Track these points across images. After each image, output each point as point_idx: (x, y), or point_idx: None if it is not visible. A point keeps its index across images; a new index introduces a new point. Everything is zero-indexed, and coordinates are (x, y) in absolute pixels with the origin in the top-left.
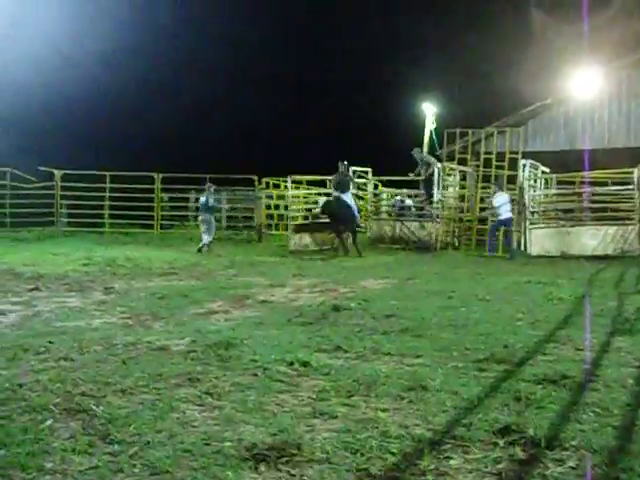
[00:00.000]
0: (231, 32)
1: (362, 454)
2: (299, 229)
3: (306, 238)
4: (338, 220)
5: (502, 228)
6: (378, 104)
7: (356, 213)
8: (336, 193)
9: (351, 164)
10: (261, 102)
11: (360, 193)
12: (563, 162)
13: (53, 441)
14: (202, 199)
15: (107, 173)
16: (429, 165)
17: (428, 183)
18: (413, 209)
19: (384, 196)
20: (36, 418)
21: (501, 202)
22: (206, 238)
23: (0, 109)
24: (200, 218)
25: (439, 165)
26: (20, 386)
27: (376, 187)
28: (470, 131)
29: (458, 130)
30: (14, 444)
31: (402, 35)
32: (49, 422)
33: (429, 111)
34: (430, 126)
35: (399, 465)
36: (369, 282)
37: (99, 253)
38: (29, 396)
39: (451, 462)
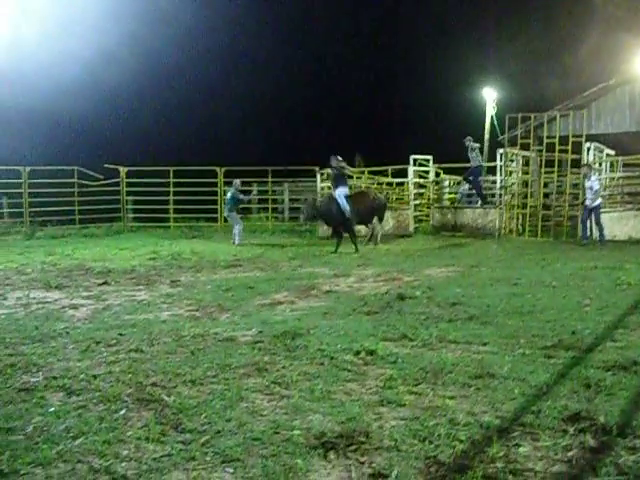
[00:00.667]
0: (300, 30)
1: (430, 441)
2: None
3: None
4: (333, 222)
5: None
6: (438, 91)
7: (347, 211)
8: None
9: (413, 152)
10: (321, 93)
11: (422, 181)
12: (629, 144)
13: (127, 430)
14: (228, 194)
15: (171, 168)
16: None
17: (473, 173)
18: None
19: (446, 183)
20: (110, 408)
21: (597, 186)
22: (236, 228)
23: (66, 109)
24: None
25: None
26: (94, 377)
27: (437, 175)
28: (532, 115)
29: (520, 115)
30: (91, 432)
31: (461, 19)
32: (123, 412)
33: (489, 96)
34: (491, 111)
35: (468, 452)
36: (433, 270)
37: (165, 247)
38: (103, 387)
39: (520, 449)
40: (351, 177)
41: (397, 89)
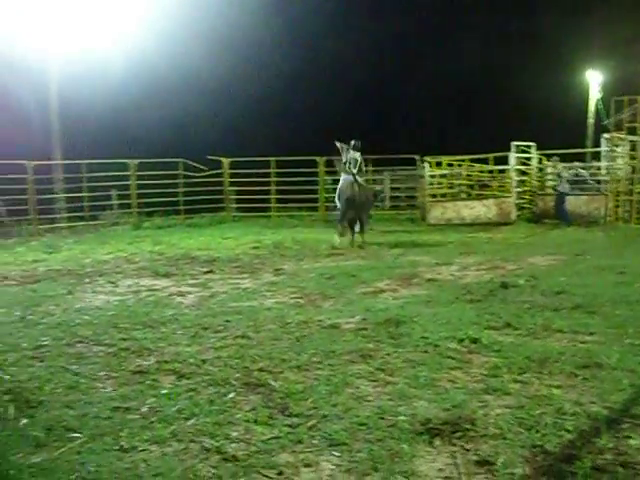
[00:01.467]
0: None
1: (537, 430)
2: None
3: (448, 212)
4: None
5: None
6: (539, 75)
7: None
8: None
9: (514, 139)
10: (422, 82)
11: (523, 168)
12: None
13: (236, 412)
14: None
15: (272, 158)
16: None
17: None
18: (589, 181)
19: (549, 170)
20: (219, 391)
21: None
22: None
23: (171, 104)
24: None
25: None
26: (203, 361)
27: (540, 161)
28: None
29: (626, 97)
30: (202, 414)
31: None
32: (231, 395)
33: (594, 79)
34: (596, 95)
35: (575, 443)
36: (537, 259)
37: (267, 236)
38: (212, 371)
39: (630, 441)
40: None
41: (497, 75)
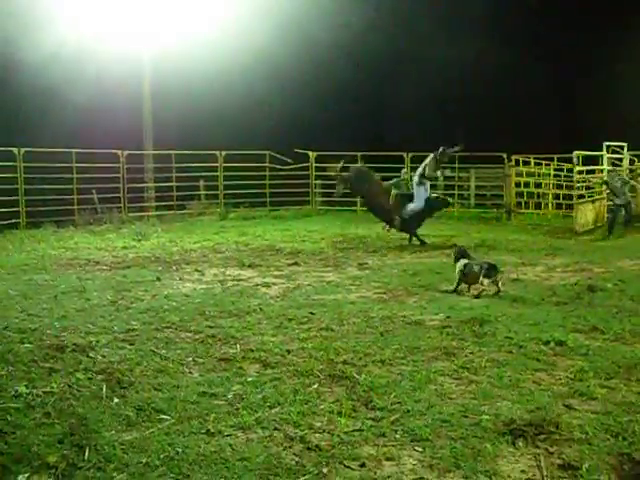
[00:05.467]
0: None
1: (624, 438)
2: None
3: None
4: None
5: None
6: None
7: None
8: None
9: (605, 139)
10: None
11: (617, 170)
12: None
13: (320, 403)
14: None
15: (358, 153)
16: None
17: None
18: None
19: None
20: (304, 381)
21: None
22: None
23: (260, 97)
24: None
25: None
26: (288, 352)
27: (632, 162)
28: None
29: None
30: (286, 403)
31: None
32: (316, 386)
33: None
34: None
35: None
36: (625, 262)
37: (352, 230)
38: (296, 361)
39: None
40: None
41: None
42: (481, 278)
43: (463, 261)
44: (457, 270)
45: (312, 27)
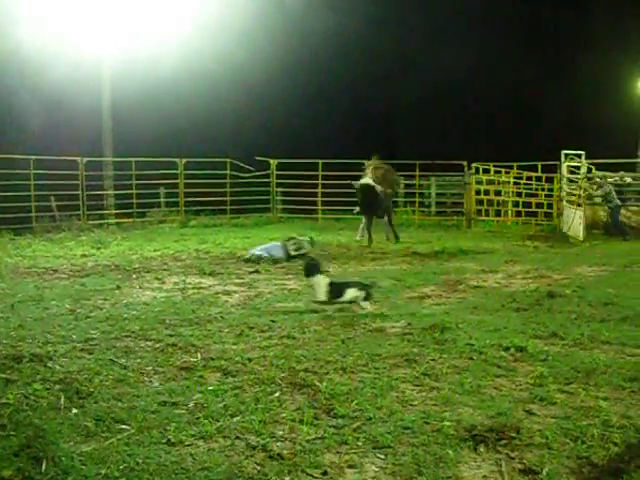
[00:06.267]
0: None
1: (583, 442)
2: None
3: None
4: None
5: None
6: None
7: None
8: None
9: (562, 148)
10: (472, 88)
11: (572, 177)
12: None
13: (281, 412)
14: None
15: (319, 161)
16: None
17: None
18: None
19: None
20: (265, 390)
21: None
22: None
23: (224, 104)
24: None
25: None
26: (249, 360)
27: (589, 170)
28: None
29: None
30: (248, 411)
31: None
32: (277, 394)
33: None
34: None
35: (623, 456)
36: (584, 269)
37: (313, 239)
38: (257, 370)
39: None
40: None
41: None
42: (361, 302)
43: (324, 279)
44: (321, 288)
45: (277, 29)
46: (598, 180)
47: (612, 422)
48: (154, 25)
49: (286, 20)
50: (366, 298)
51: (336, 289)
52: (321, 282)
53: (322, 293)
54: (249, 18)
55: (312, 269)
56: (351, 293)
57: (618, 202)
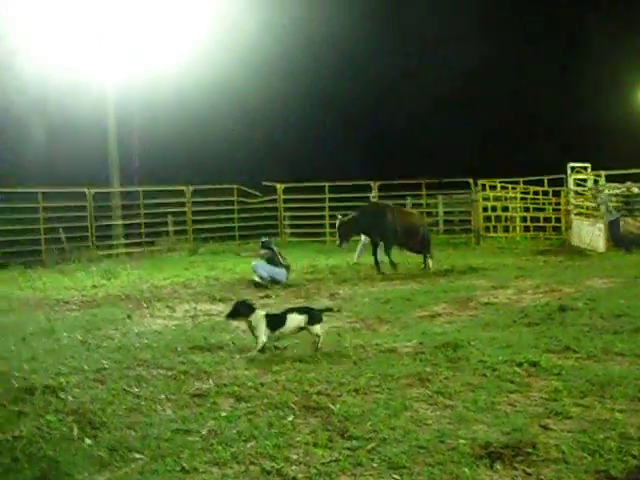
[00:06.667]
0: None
1: (600, 455)
2: None
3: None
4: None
5: None
6: (593, 93)
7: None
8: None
9: (571, 160)
10: (474, 107)
11: (579, 189)
12: None
13: (296, 435)
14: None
15: (326, 184)
16: None
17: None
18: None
19: (606, 191)
20: (278, 414)
21: None
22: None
23: (226, 131)
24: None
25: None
26: (261, 385)
27: (596, 182)
28: None
29: None
30: (261, 436)
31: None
32: (291, 418)
33: None
34: None
35: None
36: (594, 281)
37: (322, 261)
38: (270, 394)
39: None
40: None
41: (550, 95)
42: (310, 327)
43: (260, 313)
44: (260, 324)
45: (280, 52)
46: (594, 192)
47: (629, 434)
48: (159, 51)
49: (289, 42)
50: (312, 321)
51: (275, 320)
52: (258, 317)
53: (262, 330)
54: (251, 40)
55: (245, 309)
56: (293, 319)
57: (616, 214)
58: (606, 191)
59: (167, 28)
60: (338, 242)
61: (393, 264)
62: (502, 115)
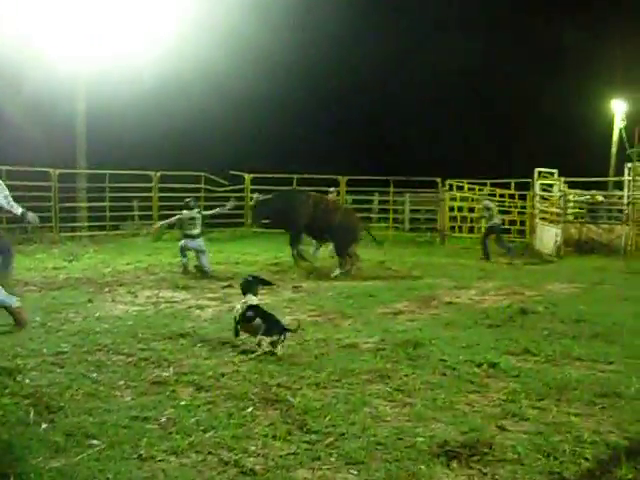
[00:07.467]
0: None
1: (555, 457)
2: None
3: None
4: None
5: None
6: (561, 101)
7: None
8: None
9: (535, 165)
10: (438, 103)
11: (545, 195)
12: None
13: (254, 427)
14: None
15: (295, 175)
16: None
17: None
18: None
19: (570, 197)
20: (238, 405)
21: None
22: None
23: (195, 118)
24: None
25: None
26: (222, 375)
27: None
28: None
29: None
30: (220, 427)
31: (587, 28)
32: (250, 409)
33: (618, 109)
34: (619, 124)
35: (594, 471)
36: (555, 286)
37: (287, 253)
38: (230, 385)
39: None
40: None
41: (521, 100)
42: (259, 335)
43: (250, 299)
44: (238, 308)
45: (259, 36)
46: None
47: (584, 438)
48: (129, 33)
49: (269, 29)
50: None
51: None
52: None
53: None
54: (227, 28)
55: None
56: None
57: (497, 220)
58: (570, 197)
59: (140, 12)
60: (250, 221)
61: (300, 256)
62: (478, 117)
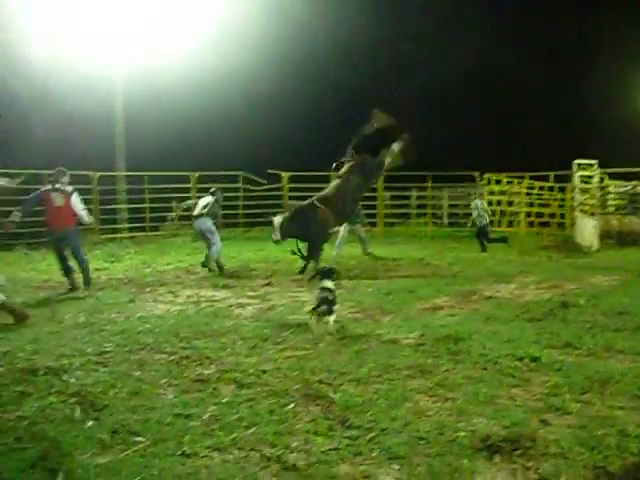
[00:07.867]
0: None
1: (599, 451)
2: None
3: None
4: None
5: None
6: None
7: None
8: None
9: (575, 157)
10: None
11: (585, 187)
12: None
13: (296, 423)
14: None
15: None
16: None
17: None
18: None
19: (611, 189)
20: (279, 401)
21: None
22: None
23: (233, 118)
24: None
25: None
26: (263, 372)
27: (602, 180)
28: None
29: None
30: (262, 423)
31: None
32: (291, 406)
33: None
34: None
35: (639, 465)
36: (597, 278)
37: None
38: (271, 381)
39: None
40: None
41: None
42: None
43: (326, 283)
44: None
45: (287, 41)
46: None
47: (628, 431)
48: (165, 37)
49: (296, 32)
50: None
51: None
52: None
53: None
54: (259, 30)
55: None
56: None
57: (484, 221)
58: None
59: (176, 16)
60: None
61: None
62: (512, 109)
